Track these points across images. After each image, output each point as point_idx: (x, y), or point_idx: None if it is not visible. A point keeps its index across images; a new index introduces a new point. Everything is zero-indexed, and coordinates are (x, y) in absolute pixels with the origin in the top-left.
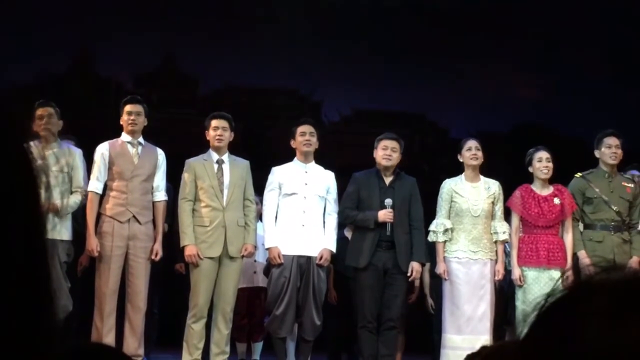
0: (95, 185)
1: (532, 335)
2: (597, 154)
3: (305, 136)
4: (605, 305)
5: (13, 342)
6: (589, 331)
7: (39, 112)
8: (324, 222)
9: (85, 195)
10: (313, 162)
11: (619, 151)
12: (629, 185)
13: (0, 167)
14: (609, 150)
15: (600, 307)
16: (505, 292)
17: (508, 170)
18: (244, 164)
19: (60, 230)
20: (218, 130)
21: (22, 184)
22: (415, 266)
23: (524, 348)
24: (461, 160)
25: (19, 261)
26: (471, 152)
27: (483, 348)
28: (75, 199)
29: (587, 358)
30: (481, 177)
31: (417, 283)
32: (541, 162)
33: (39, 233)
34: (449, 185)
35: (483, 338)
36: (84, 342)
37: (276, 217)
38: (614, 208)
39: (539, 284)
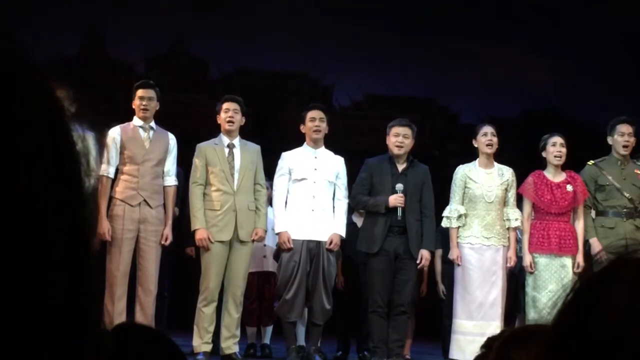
0: (107, 169)
1: (562, 313)
2: (609, 140)
3: (314, 122)
4: (631, 276)
5: (65, 322)
6: (615, 304)
7: None
8: (333, 207)
9: (96, 178)
10: (323, 147)
11: (632, 139)
12: None
13: (47, 150)
14: (622, 138)
15: (626, 279)
16: (516, 278)
17: (518, 156)
18: (254, 149)
19: None
20: (229, 112)
21: (67, 167)
22: (424, 254)
23: (555, 326)
24: (476, 146)
25: (66, 244)
26: (487, 137)
27: (503, 331)
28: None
29: (615, 330)
30: (495, 163)
31: (425, 271)
32: (555, 147)
33: (84, 217)
34: (462, 171)
35: (494, 324)
36: (125, 323)
37: (286, 202)
38: (627, 195)
39: (549, 271)
